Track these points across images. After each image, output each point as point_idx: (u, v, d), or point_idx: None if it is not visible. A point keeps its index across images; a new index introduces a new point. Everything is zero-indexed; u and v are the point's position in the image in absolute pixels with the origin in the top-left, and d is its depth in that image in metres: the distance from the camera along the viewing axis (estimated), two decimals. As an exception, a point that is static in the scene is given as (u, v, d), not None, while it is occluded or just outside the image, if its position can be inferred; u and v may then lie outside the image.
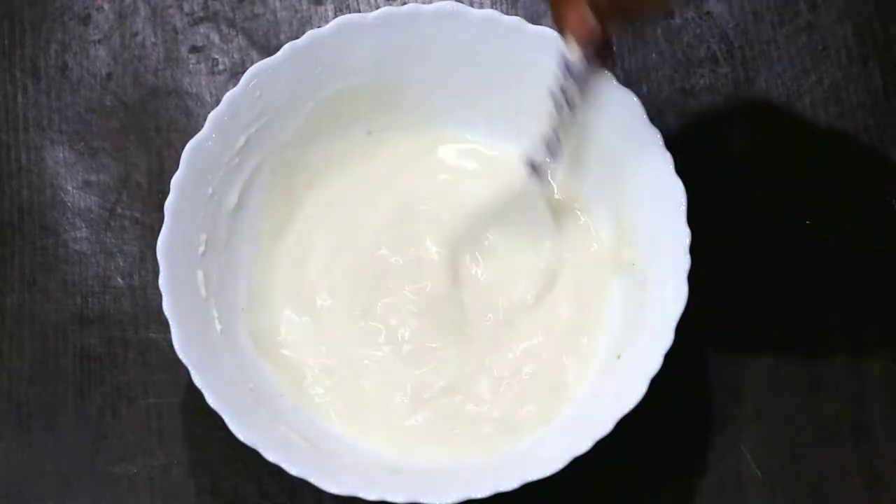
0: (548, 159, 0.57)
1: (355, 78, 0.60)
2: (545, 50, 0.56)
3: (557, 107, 0.55)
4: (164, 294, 0.54)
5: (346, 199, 0.61)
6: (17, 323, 0.62)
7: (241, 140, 0.58)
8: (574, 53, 0.53)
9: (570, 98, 0.55)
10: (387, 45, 0.59)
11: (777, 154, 0.63)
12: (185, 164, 0.56)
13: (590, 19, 0.51)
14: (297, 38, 0.63)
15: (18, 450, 0.60)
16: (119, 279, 0.62)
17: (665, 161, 0.55)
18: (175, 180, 0.56)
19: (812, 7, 0.65)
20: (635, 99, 0.56)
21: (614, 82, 0.56)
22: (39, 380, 0.61)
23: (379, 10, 0.58)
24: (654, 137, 0.55)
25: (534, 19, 0.64)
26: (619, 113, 0.56)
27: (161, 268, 0.55)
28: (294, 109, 0.59)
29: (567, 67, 0.54)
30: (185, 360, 0.53)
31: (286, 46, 0.58)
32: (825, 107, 0.63)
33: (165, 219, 0.55)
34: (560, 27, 0.53)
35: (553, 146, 0.57)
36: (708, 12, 0.65)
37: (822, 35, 0.64)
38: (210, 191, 0.57)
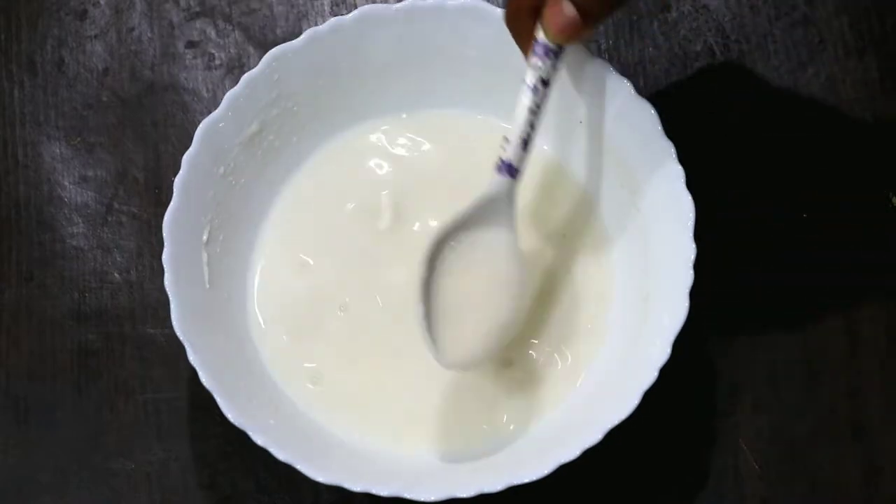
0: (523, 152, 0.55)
1: (374, 69, 0.60)
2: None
3: (536, 95, 0.54)
4: (166, 270, 0.54)
5: (350, 186, 0.61)
6: (14, 319, 0.62)
7: (256, 122, 0.58)
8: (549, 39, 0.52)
9: (547, 79, 0.54)
10: (408, 37, 0.59)
11: (773, 148, 0.63)
12: (197, 141, 0.56)
13: (570, 11, 0.50)
14: (294, 33, 0.64)
15: (16, 445, 0.60)
16: (116, 274, 0.62)
17: (677, 175, 0.55)
18: (187, 157, 0.56)
19: (808, 0, 0.65)
20: (652, 111, 0.56)
21: (633, 91, 0.56)
22: (37, 375, 0.61)
23: (403, 3, 0.58)
24: (668, 150, 0.55)
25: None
26: (636, 123, 0.56)
27: (165, 243, 0.54)
28: (310, 95, 0.59)
29: (544, 53, 0.53)
30: (182, 338, 0.53)
31: (308, 32, 0.58)
32: (822, 100, 0.63)
33: (174, 194, 0.55)
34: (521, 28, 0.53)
35: (529, 140, 0.54)
36: (704, 6, 0.65)
37: (818, 28, 0.64)
38: (222, 170, 0.57)
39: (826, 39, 0.64)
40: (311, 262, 0.60)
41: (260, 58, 0.58)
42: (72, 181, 0.64)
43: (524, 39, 0.53)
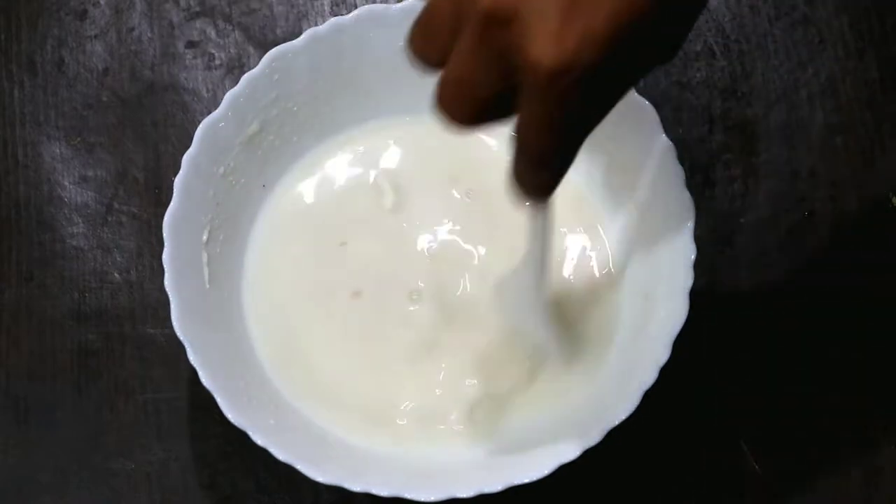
0: None
1: (374, 69, 0.60)
2: None
3: None
4: (166, 270, 0.54)
5: (348, 187, 0.61)
6: (14, 319, 0.62)
7: (256, 121, 0.58)
8: None
9: None
10: None
11: (773, 148, 0.63)
12: (197, 141, 0.56)
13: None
14: (294, 33, 0.64)
15: (16, 445, 0.60)
16: (116, 274, 0.62)
17: (677, 175, 0.55)
18: (187, 157, 0.56)
19: (808, 0, 0.65)
20: (652, 111, 0.56)
21: (633, 91, 0.56)
22: (37, 376, 0.61)
23: (403, 3, 0.58)
24: (668, 150, 0.55)
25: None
26: (636, 123, 0.56)
27: (165, 243, 0.54)
28: (310, 96, 0.59)
29: None
30: (182, 337, 0.53)
31: (308, 32, 0.58)
32: (822, 100, 0.63)
33: (174, 194, 0.55)
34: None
35: None
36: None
37: (818, 28, 0.64)
38: (221, 170, 0.57)
39: (826, 39, 0.64)
40: (312, 261, 0.60)
41: (260, 58, 0.58)
42: (72, 181, 0.64)
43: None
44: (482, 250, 0.59)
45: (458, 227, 0.60)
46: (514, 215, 0.60)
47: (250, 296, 0.59)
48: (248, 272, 0.59)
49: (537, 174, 0.44)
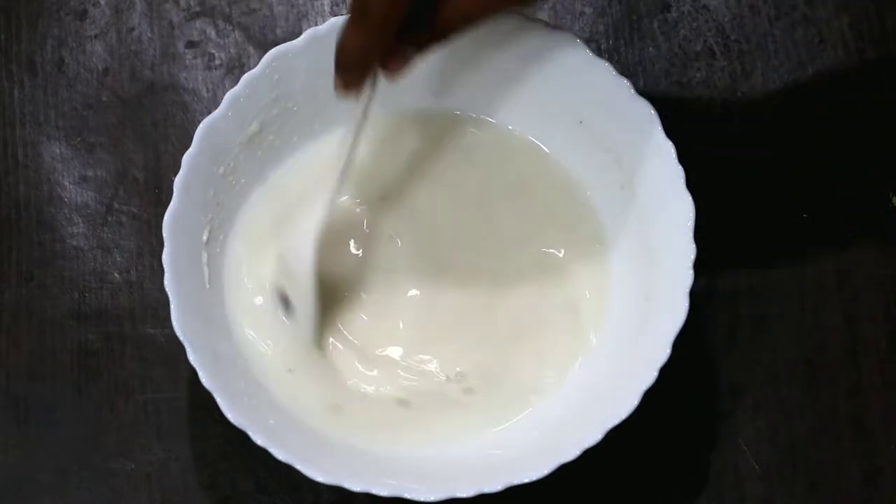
0: None
1: None
2: (560, 48, 0.56)
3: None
4: (166, 270, 0.54)
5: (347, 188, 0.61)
6: (14, 319, 0.62)
7: (256, 121, 0.58)
8: None
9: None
10: None
11: (773, 147, 0.63)
12: (197, 141, 0.56)
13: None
14: (294, 33, 0.64)
15: (16, 445, 0.60)
16: (116, 274, 0.62)
17: (677, 175, 0.55)
18: (187, 157, 0.56)
19: (808, 0, 0.65)
20: (652, 111, 0.56)
21: (633, 91, 0.56)
22: (37, 375, 0.61)
23: None
24: (668, 150, 0.55)
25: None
26: (636, 123, 0.56)
27: (165, 243, 0.54)
28: (310, 96, 0.59)
29: None
30: (181, 337, 0.53)
31: (308, 32, 0.58)
32: (822, 100, 0.63)
33: (174, 194, 0.55)
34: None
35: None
36: (704, 6, 0.65)
37: (818, 28, 0.64)
38: (221, 170, 0.57)
39: (826, 39, 0.64)
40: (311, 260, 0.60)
41: (260, 58, 0.58)
42: (72, 181, 0.64)
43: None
44: None
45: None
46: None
47: (254, 295, 0.59)
48: (252, 272, 0.59)
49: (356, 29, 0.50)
